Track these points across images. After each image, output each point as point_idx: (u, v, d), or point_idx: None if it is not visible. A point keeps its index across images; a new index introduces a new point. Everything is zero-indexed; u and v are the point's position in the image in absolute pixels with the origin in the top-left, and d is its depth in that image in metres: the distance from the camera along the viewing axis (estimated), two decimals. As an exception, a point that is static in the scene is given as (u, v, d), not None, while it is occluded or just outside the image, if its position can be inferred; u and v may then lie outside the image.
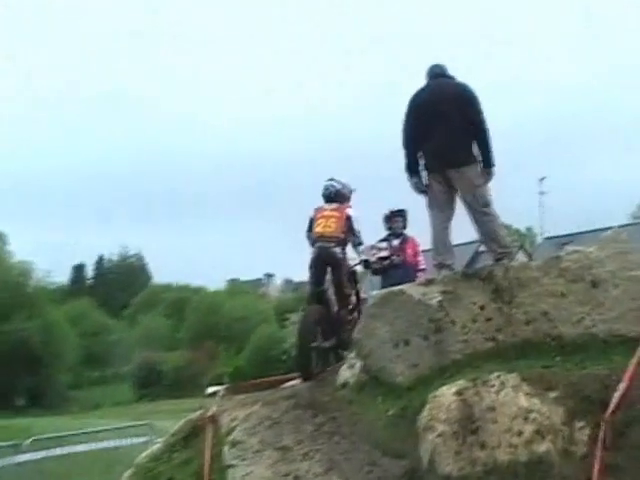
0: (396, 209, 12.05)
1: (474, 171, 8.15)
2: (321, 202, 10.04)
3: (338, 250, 9.61)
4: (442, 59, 8.62)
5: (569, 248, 7.79)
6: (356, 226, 9.77)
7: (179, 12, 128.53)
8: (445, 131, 8.14)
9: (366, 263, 10.17)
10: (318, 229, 9.66)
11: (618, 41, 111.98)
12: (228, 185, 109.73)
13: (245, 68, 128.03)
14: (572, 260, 7.45)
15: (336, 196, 10.04)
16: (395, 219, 12.07)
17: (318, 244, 9.56)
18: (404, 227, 12.11)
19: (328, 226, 9.65)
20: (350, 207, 10.01)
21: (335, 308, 9.55)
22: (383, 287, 10.15)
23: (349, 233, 9.73)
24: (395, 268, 11.50)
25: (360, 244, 9.87)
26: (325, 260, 9.51)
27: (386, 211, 12.14)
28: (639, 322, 7.01)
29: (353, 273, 10.16)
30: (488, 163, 8.22)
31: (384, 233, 12.11)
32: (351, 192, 10.30)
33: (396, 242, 11.91)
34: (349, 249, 9.77)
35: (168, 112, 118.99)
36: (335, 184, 10.13)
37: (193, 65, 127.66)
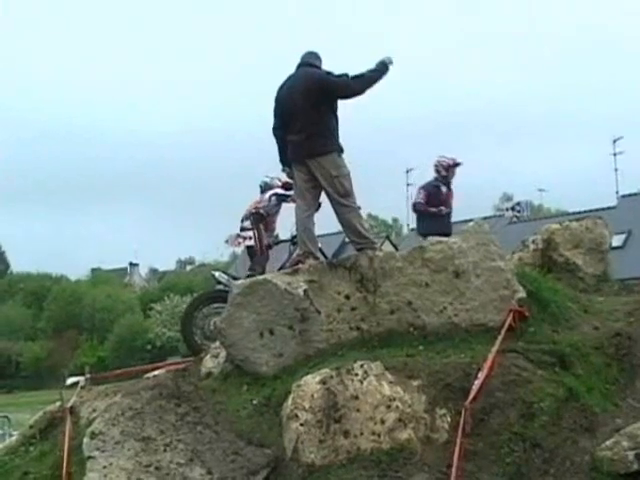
0: (458, 161, 12.78)
1: (331, 161, 8.18)
2: None
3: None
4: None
5: (433, 239, 7.88)
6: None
7: None
8: (302, 122, 8.20)
9: None
10: None
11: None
12: (90, 172, 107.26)
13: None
14: (436, 250, 7.57)
15: (266, 188, 11.12)
16: (453, 170, 12.72)
17: None
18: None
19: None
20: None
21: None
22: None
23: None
24: (446, 217, 12.53)
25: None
26: None
27: (450, 161, 12.72)
28: (500, 312, 7.20)
29: None
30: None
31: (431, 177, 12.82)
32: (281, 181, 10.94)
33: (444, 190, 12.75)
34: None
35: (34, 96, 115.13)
36: (265, 178, 11.20)
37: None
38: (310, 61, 8.54)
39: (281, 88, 8.52)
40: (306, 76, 8.36)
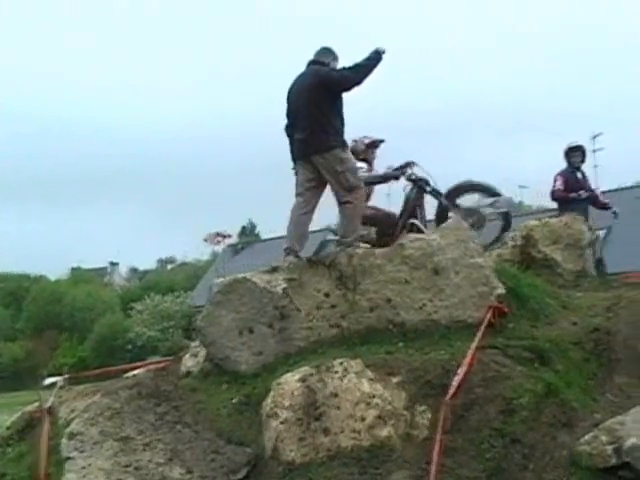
0: (574, 145, 12.73)
1: (335, 156, 8.17)
2: None
3: None
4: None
5: (412, 236, 7.89)
6: None
7: None
8: (306, 119, 8.25)
9: None
10: None
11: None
12: (68, 171, 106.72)
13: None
14: (415, 247, 7.57)
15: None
16: (574, 154, 12.68)
17: None
18: (582, 161, 12.84)
19: None
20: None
21: None
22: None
23: None
24: (582, 202, 12.35)
25: None
26: None
27: (565, 147, 12.72)
28: (479, 308, 7.21)
29: None
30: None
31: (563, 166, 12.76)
32: (366, 146, 10.34)
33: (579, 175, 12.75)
34: None
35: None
36: (351, 143, 10.33)
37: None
38: (319, 59, 8.61)
39: (291, 87, 8.62)
40: (310, 74, 8.45)
